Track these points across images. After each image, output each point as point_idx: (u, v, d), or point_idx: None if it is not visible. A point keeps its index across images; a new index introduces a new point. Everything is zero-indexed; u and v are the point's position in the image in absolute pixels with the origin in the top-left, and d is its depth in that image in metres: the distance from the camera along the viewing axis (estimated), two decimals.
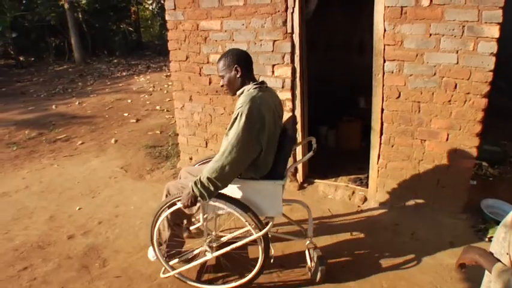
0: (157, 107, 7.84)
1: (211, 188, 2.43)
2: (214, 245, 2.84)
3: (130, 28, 16.29)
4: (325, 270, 2.73)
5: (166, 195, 2.86)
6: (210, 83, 4.32)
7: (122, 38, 15.82)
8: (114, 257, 3.23)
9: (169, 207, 2.69)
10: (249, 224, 2.61)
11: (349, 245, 3.24)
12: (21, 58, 14.46)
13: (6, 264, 3.28)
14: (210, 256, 2.80)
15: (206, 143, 4.61)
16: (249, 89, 2.58)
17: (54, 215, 4.00)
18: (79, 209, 4.08)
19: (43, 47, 15.32)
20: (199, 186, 2.42)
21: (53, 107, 8.55)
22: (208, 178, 2.40)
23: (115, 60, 14.05)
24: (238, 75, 2.60)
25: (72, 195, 4.40)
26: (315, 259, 2.78)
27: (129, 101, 8.59)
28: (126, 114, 7.56)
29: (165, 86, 9.64)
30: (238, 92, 2.64)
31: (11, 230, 3.78)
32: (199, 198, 2.47)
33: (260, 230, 2.59)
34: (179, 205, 2.59)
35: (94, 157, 5.53)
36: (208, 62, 4.27)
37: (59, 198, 4.33)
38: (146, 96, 8.90)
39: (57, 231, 3.69)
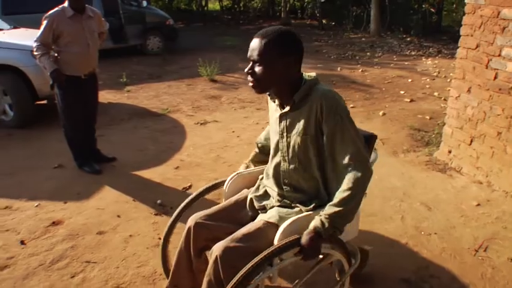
0: (435, 93, 7.64)
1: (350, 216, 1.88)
2: None
3: (432, 9, 15.80)
4: None
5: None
6: (495, 78, 3.97)
7: (420, 17, 15.56)
8: None
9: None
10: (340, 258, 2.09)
11: None
12: (323, 21, 16.03)
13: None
14: None
15: (471, 141, 4.30)
16: (319, 84, 1.97)
17: None
18: None
19: (344, 14, 16.53)
20: (339, 216, 1.82)
21: (338, 69, 9.44)
22: (352, 203, 1.84)
23: (408, 39, 14.02)
24: (294, 65, 1.94)
25: None
26: None
27: (410, 80, 8.64)
28: (402, 92, 7.67)
29: (451, 74, 9.14)
30: (304, 89, 1.93)
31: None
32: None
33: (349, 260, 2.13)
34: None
35: (358, 122, 5.85)
36: (499, 55, 3.90)
37: None
38: (428, 79, 8.74)
39: None
